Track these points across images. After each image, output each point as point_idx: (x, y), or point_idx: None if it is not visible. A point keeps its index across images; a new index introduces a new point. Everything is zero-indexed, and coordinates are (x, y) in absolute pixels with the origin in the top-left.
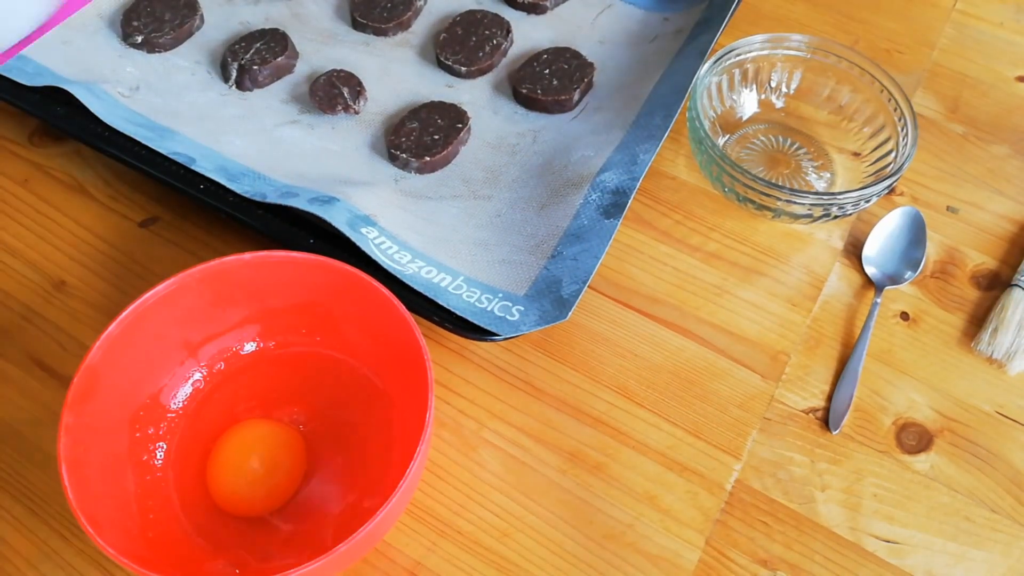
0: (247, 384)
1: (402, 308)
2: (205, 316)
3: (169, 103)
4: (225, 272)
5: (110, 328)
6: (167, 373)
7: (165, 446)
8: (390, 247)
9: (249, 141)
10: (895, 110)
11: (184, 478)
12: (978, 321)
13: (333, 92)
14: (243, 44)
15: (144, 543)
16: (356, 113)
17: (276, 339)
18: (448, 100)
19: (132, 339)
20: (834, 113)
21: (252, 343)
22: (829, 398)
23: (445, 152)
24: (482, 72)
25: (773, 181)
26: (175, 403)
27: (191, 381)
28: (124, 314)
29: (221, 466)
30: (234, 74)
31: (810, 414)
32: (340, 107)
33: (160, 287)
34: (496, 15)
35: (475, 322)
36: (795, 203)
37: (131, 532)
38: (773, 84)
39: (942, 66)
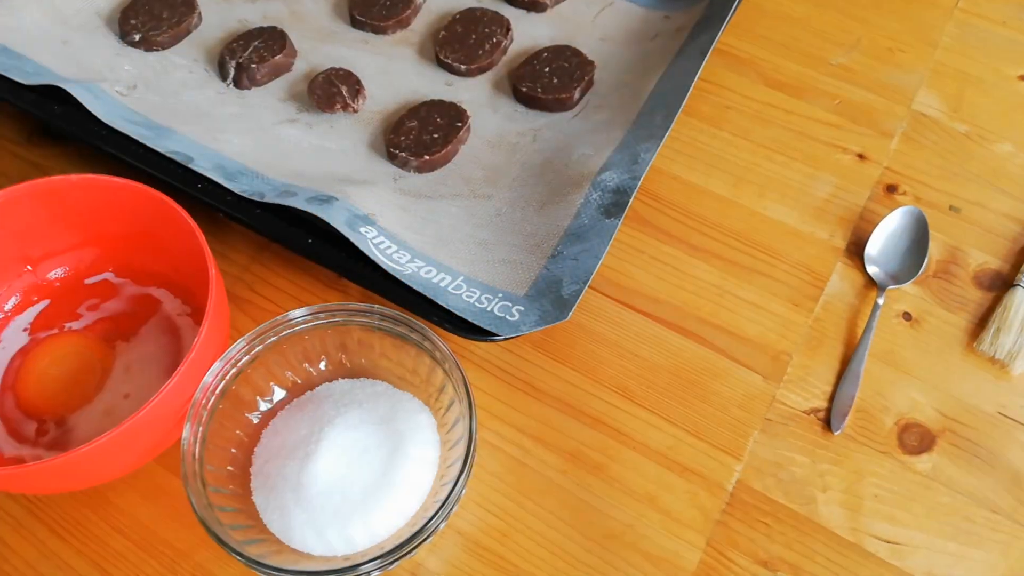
0: (77, 300)
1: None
2: (42, 233)
3: (167, 101)
4: (54, 190)
5: None
6: (3, 283)
7: None
8: (389, 247)
9: (247, 140)
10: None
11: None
12: (981, 321)
13: (332, 90)
14: (241, 42)
15: None
16: (355, 111)
17: (114, 264)
18: (447, 98)
19: None
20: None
21: (91, 264)
22: (831, 398)
23: (444, 151)
24: (482, 70)
25: None
26: (6, 307)
27: (27, 291)
28: None
29: (27, 372)
30: (232, 72)
31: (811, 414)
32: (339, 105)
33: None
34: (496, 13)
35: (475, 322)
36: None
37: None
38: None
39: (944, 65)
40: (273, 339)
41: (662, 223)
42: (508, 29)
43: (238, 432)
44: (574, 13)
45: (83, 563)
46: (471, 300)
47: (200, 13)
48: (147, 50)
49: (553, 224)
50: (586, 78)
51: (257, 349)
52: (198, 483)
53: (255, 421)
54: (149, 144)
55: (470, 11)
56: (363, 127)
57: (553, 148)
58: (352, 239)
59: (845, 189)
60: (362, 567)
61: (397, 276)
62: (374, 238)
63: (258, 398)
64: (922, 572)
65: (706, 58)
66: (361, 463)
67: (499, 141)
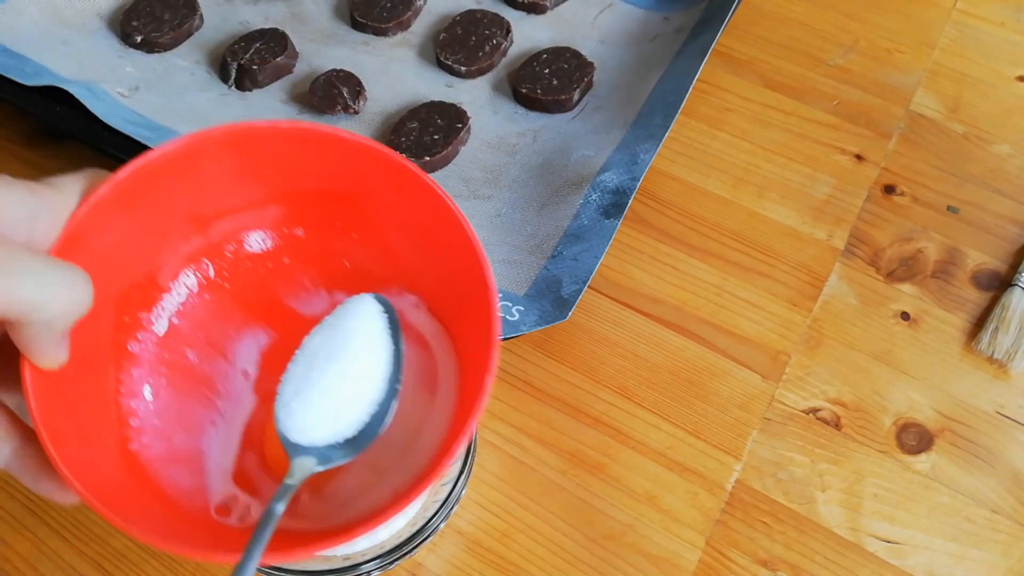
0: (262, 279)
1: (466, 224)
2: (222, 188)
3: (169, 103)
4: (253, 138)
5: (101, 190)
6: (168, 249)
7: (156, 337)
8: None
9: None
10: None
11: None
12: (979, 321)
13: (333, 92)
14: (242, 44)
15: (122, 464)
16: (356, 113)
17: (303, 226)
18: (448, 100)
19: (128, 205)
20: None
21: (273, 229)
22: (830, 398)
23: (445, 152)
24: (482, 72)
25: None
26: (176, 286)
27: (195, 262)
28: (122, 174)
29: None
30: (234, 74)
31: (810, 414)
32: (340, 107)
33: (168, 146)
34: (496, 15)
35: None
36: None
37: (105, 448)
38: None
39: (943, 65)
40: None
41: (661, 223)
42: (508, 31)
43: None
44: (573, 15)
45: (84, 563)
46: None
47: (202, 15)
48: (149, 52)
49: (553, 224)
50: (585, 79)
51: None
52: None
53: None
54: (151, 145)
55: (470, 13)
56: (364, 128)
57: (553, 149)
58: None
59: (843, 190)
60: (362, 567)
61: None
62: None
63: None
64: (922, 572)
65: (705, 59)
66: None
67: (499, 142)
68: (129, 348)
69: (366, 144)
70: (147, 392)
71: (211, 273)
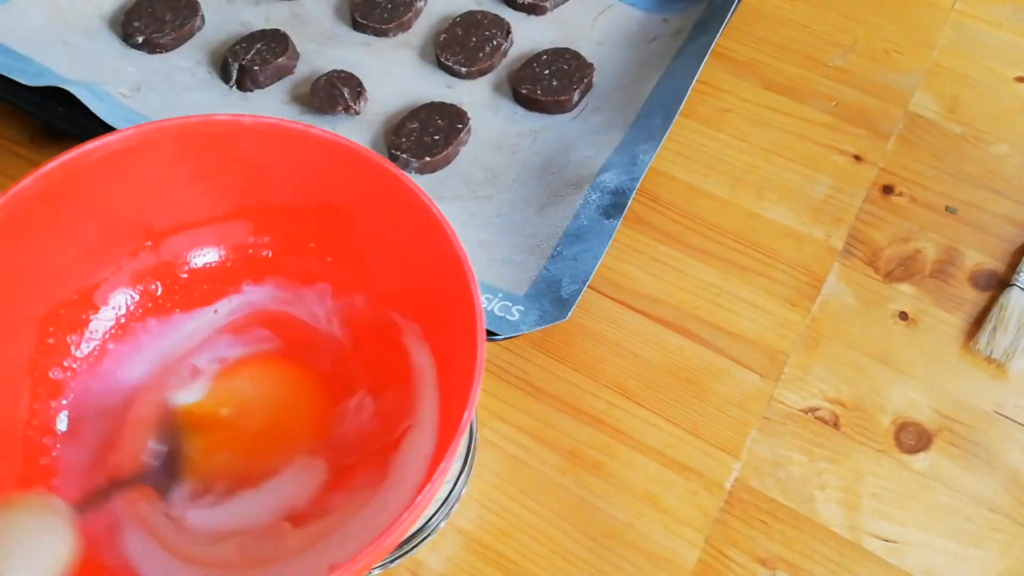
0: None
1: (451, 233)
2: (177, 196)
3: (170, 103)
4: (212, 136)
5: (23, 183)
6: (110, 264)
7: (85, 364)
8: None
9: None
10: None
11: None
12: (977, 321)
13: (334, 93)
14: (244, 44)
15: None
16: (356, 114)
17: (272, 248)
18: (448, 100)
19: (58, 205)
20: None
21: (237, 248)
22: (828, 397)
23: (445, 152)
24: (482, 73)
25: None
26: (116, 309)
27: (142, 282)
28: (48, 167)
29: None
30: (235, 74)
31: (809, 413)
32: (340, 107)
33: (111, 138)
34: (496, 16)
35: None
36: None
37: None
38: None
39: (941, 66)
40: None
41: (661, 224)
42: (508, 32)
43: None
44: (573, 16)
45: None
46: None
47: (203, 15)
48: (150, 52)
49: (553, 225)
50: (585, 80)
51: None
52: None
53: None
54: None
55: (471, 14)
56: (365, 129)
57: (553, 150)
58: None
59: (841, 190)
60: None
61: None
62: None
63: None
64: (921, 570)
65: (704, 60)
66: None
67: (499, 143)
68: (51, 375)
69: (341, 143)
70: (62, 425)
71: (159, 293)
